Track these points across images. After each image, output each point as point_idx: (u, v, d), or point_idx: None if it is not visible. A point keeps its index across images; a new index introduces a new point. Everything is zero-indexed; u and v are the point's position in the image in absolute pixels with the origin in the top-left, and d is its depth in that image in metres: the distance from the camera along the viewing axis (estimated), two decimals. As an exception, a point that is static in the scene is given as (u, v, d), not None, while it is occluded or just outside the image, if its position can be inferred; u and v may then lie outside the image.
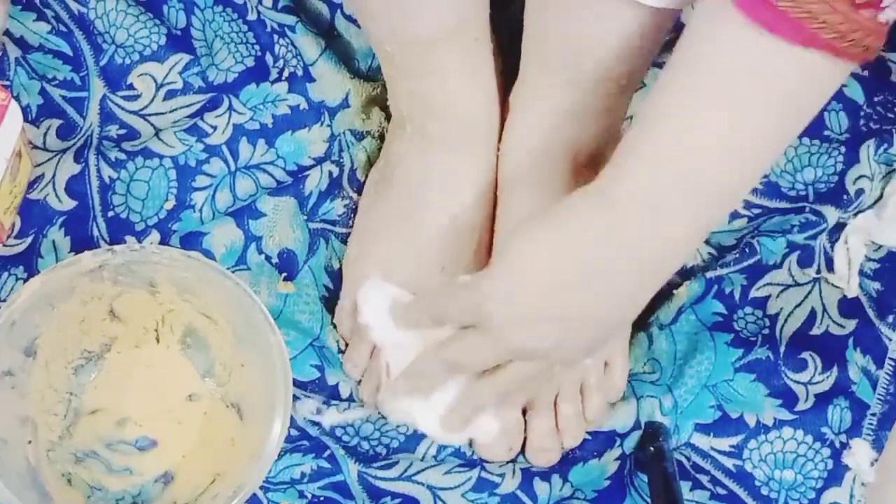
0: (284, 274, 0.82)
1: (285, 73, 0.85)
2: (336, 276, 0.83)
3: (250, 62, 0.86)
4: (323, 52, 0.85)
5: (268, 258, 0.82)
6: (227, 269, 0.77)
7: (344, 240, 0.84)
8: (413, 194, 0.80)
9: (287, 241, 0.83)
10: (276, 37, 0.85)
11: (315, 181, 0.84)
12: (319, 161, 0.84)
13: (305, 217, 0.83)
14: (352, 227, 0.84)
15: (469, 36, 0.76)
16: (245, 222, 0.82)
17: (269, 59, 0.85)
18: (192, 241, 0.81)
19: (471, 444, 0.80)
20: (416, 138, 0.79)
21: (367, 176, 0.84)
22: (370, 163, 0.85)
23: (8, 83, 0.84)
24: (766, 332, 0.82)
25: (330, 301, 0.83)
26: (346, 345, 0.82)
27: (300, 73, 0.85)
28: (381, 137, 0.85)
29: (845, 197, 0.83)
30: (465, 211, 0.80)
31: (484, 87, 0.78)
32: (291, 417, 0.75)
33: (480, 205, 0.80)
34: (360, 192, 0.84)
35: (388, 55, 0.76)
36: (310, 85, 0.85)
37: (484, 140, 0.79)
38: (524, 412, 0.80)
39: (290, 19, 0.85)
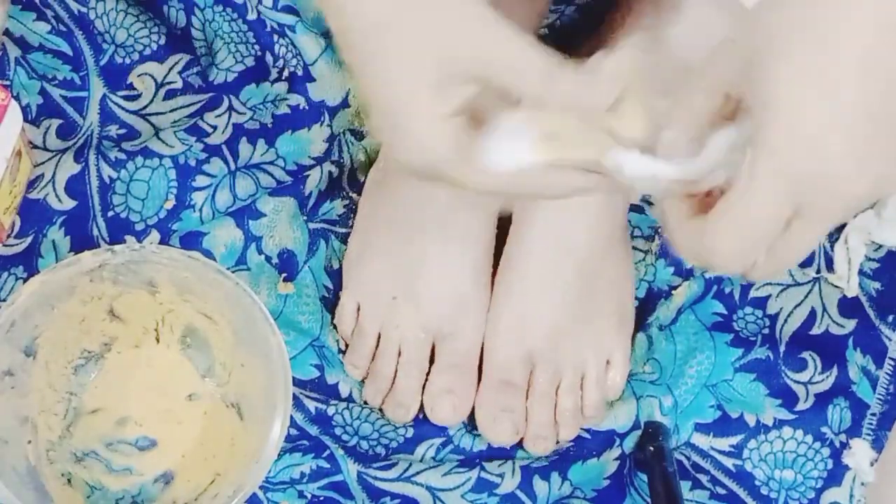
0: (284, 274, 0.82)
1: (285, 73, 0.85)
2: (336, 277, 0.83)
3: (250, 62, 0.86)
4: (323, 52, 0.85)
5: (268, 258, 0.82)
6: (227, 269, 0.77)
7: (344, 240, 0.84)
8: (417, 195, 0.80)
9: (287, 241, 0.83)
10: (276, 36, 0.85)
11: (315, 181, 0.84)
12: (319, 161, 0.84)
13: (305, 217, 0.83)
14: (352, 227, 0.84)
15: None
16: (245, 222, 0.82)
17: (269, 58, 0.85)
18: (192, 241, 0.81)
19: (475, 428, 0.80)
20: None
21: (366, 176, 0.84)
22: (370, 163, 0.85)
23: (8, 83, 0.84)
24: (765, 331, 0.82)
25: (330, 301, 0.83)
26: (346, 345, 0.82)
27: (300, 72, 0.85)
28: (381, 137, 0.85)
29: (845, 197, 0.83)
30: (471, 213, 0.80)
31: None
32: (291, 417, 0.75)
33: (487, 209, 0.80)
34: (359, 192, 0.84)
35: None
36: (310, 85, 0.85)
37: None
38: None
39: (290, 19, 0.84)
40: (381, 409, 0.81)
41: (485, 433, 0.80)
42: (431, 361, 0.81)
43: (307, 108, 0.85)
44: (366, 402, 0.81)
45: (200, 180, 0.83)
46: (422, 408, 0.80)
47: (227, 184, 0.83)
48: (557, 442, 0.80)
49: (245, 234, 0.82)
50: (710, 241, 0.53)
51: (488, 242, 0.81)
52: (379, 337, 0.81)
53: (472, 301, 0.80)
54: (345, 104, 0.85)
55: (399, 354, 0.80)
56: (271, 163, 0.84)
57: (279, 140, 0.84)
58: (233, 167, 0.83)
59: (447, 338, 0.80)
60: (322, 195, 0.84)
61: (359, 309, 0.82)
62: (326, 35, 0.87)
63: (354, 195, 0.85)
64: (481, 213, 0.80)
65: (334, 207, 0.84)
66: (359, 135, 0.85)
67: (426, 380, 0.81)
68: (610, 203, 0.80)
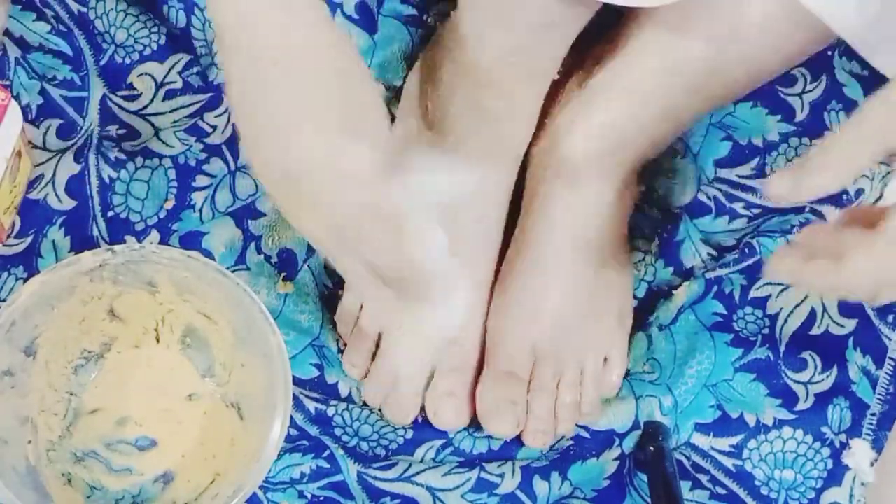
0: (284, 274, 0.82)
1: (285, 73, 0.85)
2: (335, 275, 0.83)
3: (250, 62, 0.86)
4: (323, 52, 0.85)
5: (267, 258, 0.82)
6: (227, 268, 0.77)
7: (344, 239, 0.84)
8: None
9: (286, 240, 0.83)
10: (275, 36, 0.85)
11: (315, 181, 0.83)
12: (319, 161, 0.84)
13: (305, 217, 0.83)
14: (352, 226, 0.84)
15: None
16: (245, 222, 0.82)
17: (269, 58, 0.85)
18: (191, 240, 0.81)
19: (475, 430, 0.80)
20: (437, 141, 0.80)
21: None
22: (370, 162, 0.85)
23: (8, 83, 0.84)
24: (765, 331, 0.82)
25: (330, 300, 0.83)
26: (346, 344, 0.82)
27: (300, 72, 0.85)
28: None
29: (845, 196, 0.83)
30: (478, 213, 0.80)
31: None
32: (291, 417, 0.75)
33: (499, 211, 0.81)
34: (359, 192, 0.84)
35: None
36: (310, 84, 0.85)
37: (510, 151, 0.80)
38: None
39: (289, 19, 0.84)
40: (380, 410, 0.81)
41: (486, 424, 0.80)
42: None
43: (307, 107, 0.85)
44: (365, 403, 0.81)
45: (200, 180, 0.83)
46: (421, 410, 0.81)
47: (227, 184, 0.83)
48: (561, 439, 0.80)
49: (245, 234, 0.82)
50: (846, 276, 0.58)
51: (492, 242, 0.82)
52: (379, 337, 0.81)
53: (473, 302, 0.80)
54: (345, 104, 0.85)
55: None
56: (271, 163, 0.84)
57: (279, 140, 0.84)
58: (233, 167, 0.83)
59: (449, 341, 0.80)
60: (322, 195, 0.84)
61: (360, 308, 0.82)
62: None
63: (354, 195, 0.85)
64: (494, 215, 0.81)
65: (334, 207, 0.84)
66: (359, 135, 0.85)
67: (426, 383, 0.81)
68: (615, 203, 0.80)
